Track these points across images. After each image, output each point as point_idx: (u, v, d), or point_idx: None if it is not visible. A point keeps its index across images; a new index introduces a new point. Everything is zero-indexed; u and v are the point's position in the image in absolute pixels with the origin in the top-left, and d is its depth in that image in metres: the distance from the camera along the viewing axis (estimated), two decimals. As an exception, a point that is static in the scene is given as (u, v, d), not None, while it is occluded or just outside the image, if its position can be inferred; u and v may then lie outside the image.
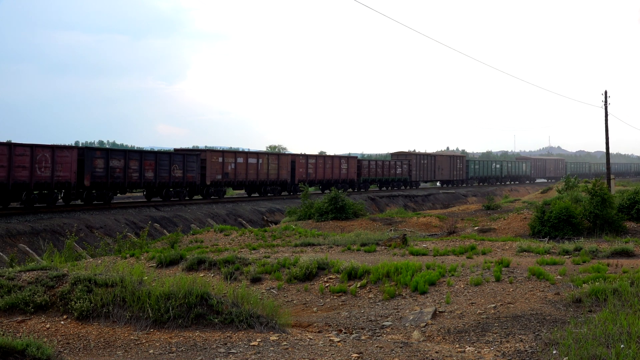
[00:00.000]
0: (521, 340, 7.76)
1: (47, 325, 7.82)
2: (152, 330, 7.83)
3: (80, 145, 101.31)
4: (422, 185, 66.00)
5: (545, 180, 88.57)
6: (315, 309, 10.76)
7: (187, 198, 37.66)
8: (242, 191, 46.71)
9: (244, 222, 33.92)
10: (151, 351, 7.22)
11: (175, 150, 41.31)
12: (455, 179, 68.28)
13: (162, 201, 35.43)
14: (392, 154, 64.43)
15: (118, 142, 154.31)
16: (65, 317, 8.05)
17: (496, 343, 7.81)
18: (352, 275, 12.10)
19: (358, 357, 6.95)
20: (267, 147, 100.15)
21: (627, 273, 11.03)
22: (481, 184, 73.80)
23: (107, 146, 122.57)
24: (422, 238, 19.56)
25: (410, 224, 26.14)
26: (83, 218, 28.14)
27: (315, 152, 54.14)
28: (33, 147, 27.66)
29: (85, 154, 30.48)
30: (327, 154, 58.81)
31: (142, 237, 20.57)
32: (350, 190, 51.81)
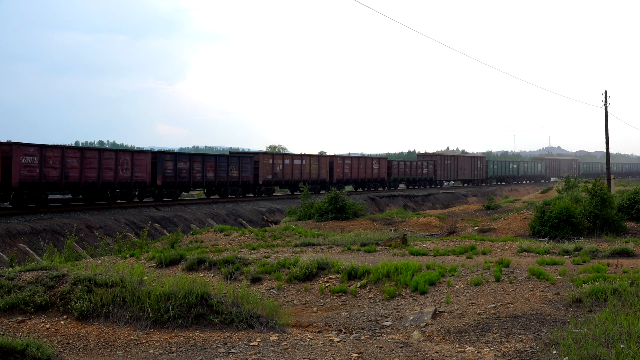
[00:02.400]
0: (521, 340, 7.76)
1: (47, 325, 7.82)
2: (152, 330, 7.83)
3: (80, 145, 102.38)
4: (446, 184, 69.69)
5: (559, 180, 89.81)
6: (315, 309, 10.75)
7: (241, 196, 41.57)
8: (284, 190, 49.86)
9: (244, 222, 33.91)
10: (151, 351, 7.22)
11: (231, 153, 45.48)
12: (475, 178, 72.31)
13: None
14: (418, 155, 69.06)
15: (118, 142, 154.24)
16: (65, 317, 8.05)
17: (496, 343, 7.81)
18: (352, 275, 12.09)
19: (358, 357, 6.95)
20: (267, 147, 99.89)
21: (627, 273, 11.03)
22: (500, 183, 77.62)
23: (107, 146, 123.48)
24: (422, 238, 19.55)
25: (410, 224, 26.13)
26: (83, 218, 28.13)
27: (315, 152, 55.10)
28: (117, 152, 32.62)
29: (158, 157, 34.84)
30: (327, 153, 59.15)
31: (142, 237, 20.58)
32: (380, 188, 56.14)
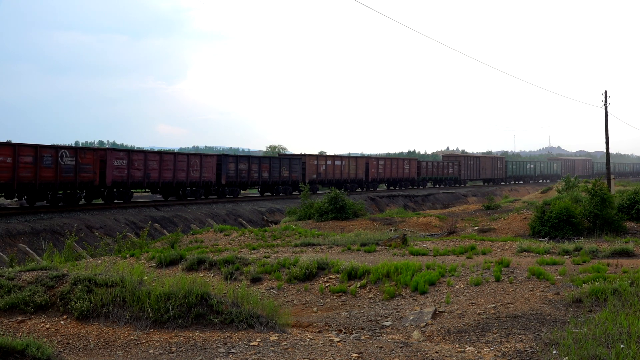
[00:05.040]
0: (521, 340, 7.76)
1: (47, 325, 7.82)
2: (152, 330, 7.83)
3: (80, 145, 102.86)
4: (469, 183, 73.80)
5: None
6: (315, 309, 10.75)
7: (290, 193, 45.92)
8: (324, 188, 53.12)
9: (244, 222, 33.89)
10: (151, 351, 7.22)
11: (281, 155, 50.70)
12: (496, 177, 77.01)
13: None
14: (443, 156, 74.85)
15: (118, 142, 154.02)
16: (65, 317, 8.05)
17: (496, 343, 7.81)
18: (352, 275, 12.09)
19: (358, 357, 6.95)
20: (267, 147, 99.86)
21: (627, 273, 11.02)
22: (518, 182, 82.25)
23: (107, 146, 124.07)
24: (422, 238, 19.54)
25: (410, 224, 26.12)
26: (83, 218, 28.11)
27: (317, 152, 55.89)
28: (188, 155, 37.87)
29: (222, 160, 39.78)
30: (327, 153, 59.61)
31: (142, 237, 20.55)
32: (411, 187, 60.26)
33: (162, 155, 35.61)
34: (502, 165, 78.35)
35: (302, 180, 45.87)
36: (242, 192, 44.74)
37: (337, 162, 50.84)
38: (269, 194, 44.86)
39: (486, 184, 75.66)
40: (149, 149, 35.84)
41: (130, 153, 33.58)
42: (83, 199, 32.09)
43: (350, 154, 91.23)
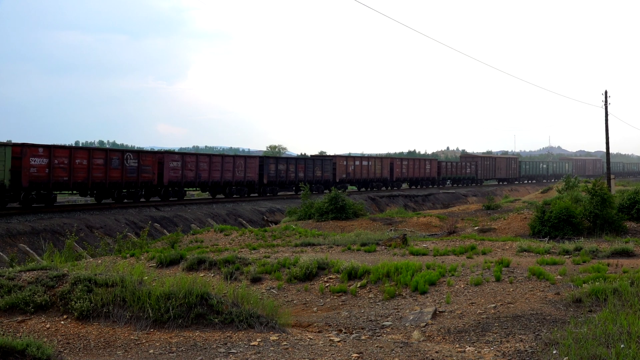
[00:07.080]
0: (521, 340, 7.76)
1: (47, 325, 7.82)
2: (152, 330, 7.83)
3: (80, 145, 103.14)
4: (485, 182, 76.90)
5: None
6: (315, 308, 10.75)
7: (322, 192, 47.84)
8: (352, 187, 56.03)
9: (244, 222, 33.89)
10: (151, 351, 7.22)
11: (313, 156, 54.56)
12: (510, 177, 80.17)
13: (161, 201, 35.66)
14: (461, 157, 79.42)
15: (118, 141, 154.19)
16: (65, 317, 8.05)
17: (496, 343, 7.81)
18: (352, 275, 12.08)
19: (358, 357, 6.95)
20: (267, 147, 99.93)
21: (627, 273, 11.02)
22: (531, 181, 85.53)
23: (107, 146, 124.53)
24: (422, 238, 19.54)
25: (411, 224, 26.11)
26: (83, 218, 28.12)
27: (317, 152, 56.40)
28: (234, 157, 41.90)
29: (264, 161, 43.61)
30: (327, 153, 60.04)
31: (142, 237, 20.56)
32: (431, 186, 63.72)
33: (211, 157, 39.57)
34: (516, 165, 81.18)
35: (333, 179, 49.49)
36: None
37: (365, 163, 54.29)
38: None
39: (500, 183, 78.26)
40: (159, 150, 39.23)
41: (184, 156, 37.16)
42: (143, 197, 35.12)
43: (351, 154, 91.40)
